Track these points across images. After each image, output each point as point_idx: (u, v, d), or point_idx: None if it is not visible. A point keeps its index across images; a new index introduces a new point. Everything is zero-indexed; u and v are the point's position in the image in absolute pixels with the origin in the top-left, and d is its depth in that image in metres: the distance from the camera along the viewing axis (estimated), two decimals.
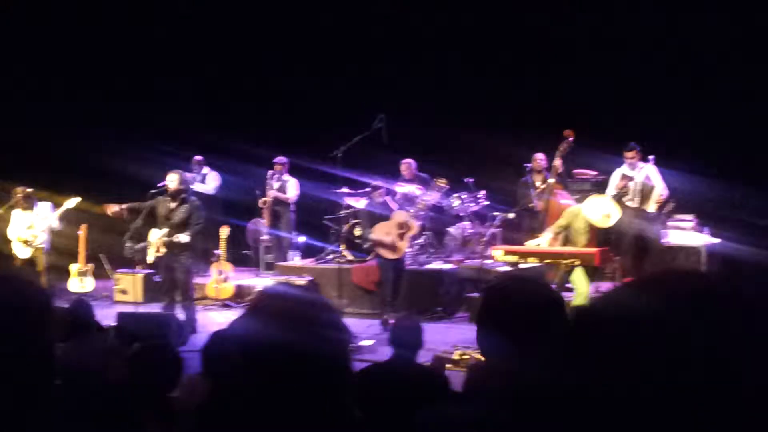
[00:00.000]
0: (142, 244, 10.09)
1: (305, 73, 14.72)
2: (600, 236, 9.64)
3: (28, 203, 11.54)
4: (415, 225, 10.77)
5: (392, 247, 10.59)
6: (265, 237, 13.38)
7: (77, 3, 14.86)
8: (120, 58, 14.78)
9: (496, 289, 2.63)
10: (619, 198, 10.88)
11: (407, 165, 12.65)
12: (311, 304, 1.81)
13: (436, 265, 11.90)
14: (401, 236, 10.65)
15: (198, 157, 13.63)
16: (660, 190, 11.09)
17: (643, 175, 11.11)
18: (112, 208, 10.20)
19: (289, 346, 1.68)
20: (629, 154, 11.09)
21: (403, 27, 14.38)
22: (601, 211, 9.36)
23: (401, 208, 10.98)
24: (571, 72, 13.20)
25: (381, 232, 10.68)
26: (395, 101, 12.74)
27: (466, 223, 12.52)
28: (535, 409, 1.03)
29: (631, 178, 11.10)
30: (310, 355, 1.69)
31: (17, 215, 11.56)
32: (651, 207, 11.13)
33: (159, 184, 10.39)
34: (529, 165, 11.92)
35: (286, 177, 13.32)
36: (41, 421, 1.86)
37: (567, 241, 9.55)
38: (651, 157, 11.25)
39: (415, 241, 11.94)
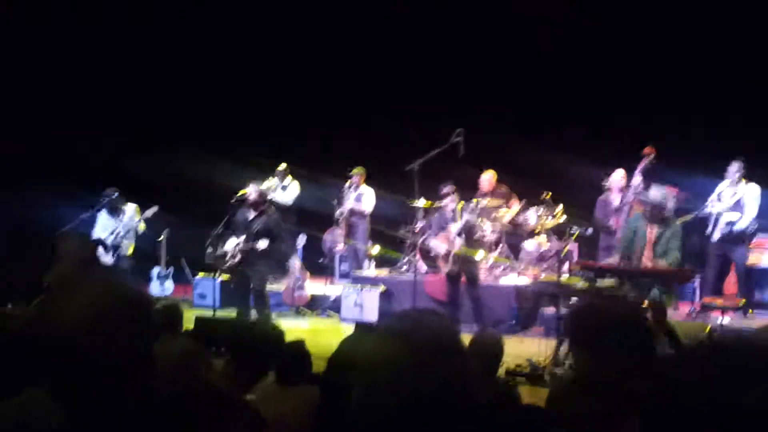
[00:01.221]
0: (221, 251, 10.29)
1: (385, 87, 14.81)
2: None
3: (118, 206, 11.84)
4: (485, 232, 10.69)
5: (445, 259, 10.61)
6: (340, 247, 13.50)
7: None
8: (199, 68, 15.10)
9: (587, 308, 2.63)
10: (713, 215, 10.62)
11: (488, 178, 12.65)
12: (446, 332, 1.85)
13: (511, 279, 11.85)
14: (469, 243, 10.65)
15: (282, 166, 13.82)
16: (755, 209, 10.64)
17: (735, 199, 10.70)
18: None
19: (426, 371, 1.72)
20: (732, 168, 10.69)
21: (483, 44, 14.36)
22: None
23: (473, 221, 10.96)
24: (652, 88, 13.00)
25: (449, 240, 10.70)
26: (474, 115, 12.74)
27: (543, 238, 12.43)
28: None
29: (720, 201, 10.75)
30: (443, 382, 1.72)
31: (103, 219, 11.87)
32: (742, 225, 10.71)
33: (239, 194, 10.59)
34: (607, 182, 11.78)
35: (363, 188, 13.43)
36: (140, 418, 1.93)
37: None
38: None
39: (490, 253, 11.91)
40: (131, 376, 1.90)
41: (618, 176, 11.65)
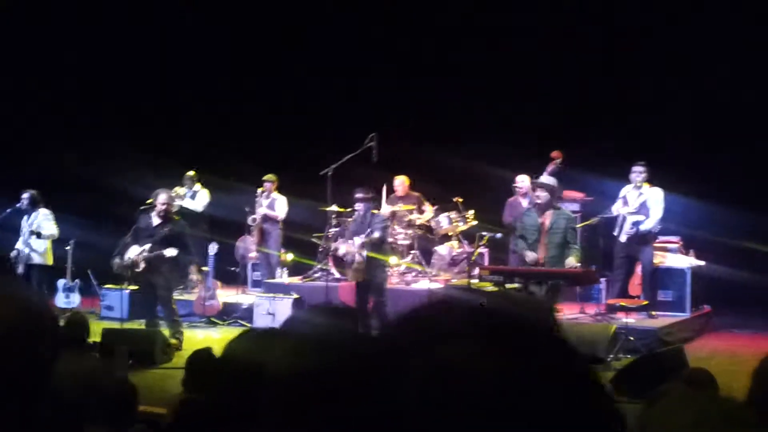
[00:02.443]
0: (128, 260, 10.09)
1: (296, 92, 14.78)
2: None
3: (30, 209, 11.53)
4: (396, 237, 10.71)
5: (350, 265, 10.59)
6: (253, 254, 13.38)
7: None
8: (109, 70, 14.82)
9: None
10: (617, 217, 10.89)
11: (401, 182, 12.72)
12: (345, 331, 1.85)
13: (423, 284, 11.91)
14: (381, 248, 10.62)
15: (190, 173, 13.64)
16: (659, 212, 10.91)
17: (640, 201, 10.96)
18: None
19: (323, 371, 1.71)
20: (637, 169, 10.92)
21: (393, 48, 14.46)
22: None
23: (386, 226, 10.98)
24: (563, 93, 13.28)
25: (359, 245, 10.64)
26: (386, 121, 12.83)
27: (454, 243, 12.54)
28: None
29: (627, 204, 11.02)
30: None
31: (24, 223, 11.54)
32: (646, 227, 10.98)
33: (146, 202, 10.41)
34: (516, 185, 11.98)
35: (275, 195, 13.35)
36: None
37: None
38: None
39: (402, 258, 11.97)
40: (24, 391, 1.84)
41: (526, 180, 11.84)
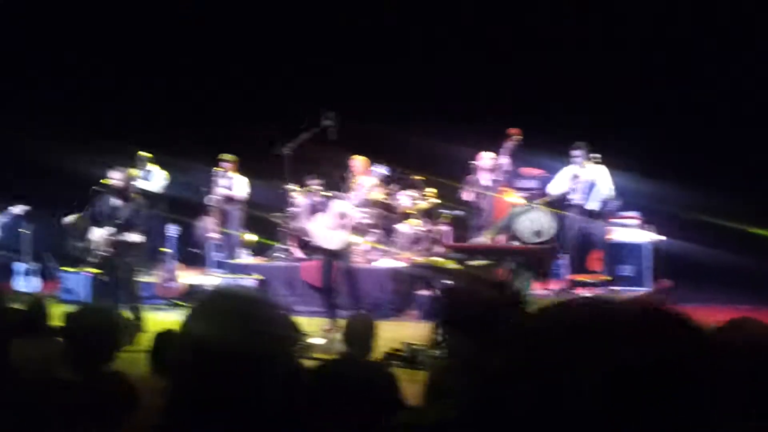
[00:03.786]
0: (87, 242, 9.95)
1: (253, 69, 14.66)
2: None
3: None
4: (356, 215, 10.73)
5: (330, 238, 10.59)
6: (213, 235, 13.29)
7: None
8: (67, 52, 14.58)
9: (456, 289, 2.68)
10: (564, 196, 11.07)
11: (360, 162, 12.68)
12: (259, 303, 1.83)
13: (386, 262, 11.94)
14: (341, 227, 10.62)
15: (143, 154, 13.45)
16: (606, 189, 11.25)
17: (590, 173, 11.29)
18: None
19: (238, 344, 1.69)
20: (576, 153, 11.29)
21: (349, 22, 14.39)
22: (532, 228, 9.54)
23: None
24: (518, 69, 13.32)
25: (320, 224, 10.64)
26: (344, 98, 12.78)
27: (416, 221, 12.57)
28: (497, 409, 1.06)
29: (578, 177, 11.27)
30: (258, 354, 1.70)
31: None
32: (592, 204, 11.29)
33: (101, 182, 10.25)
34: (475, 162, 12.02)
35: (233, 174, 13.25)
36: None
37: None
38: (596, 156, 11.44)
39: (363, 239, 11.97)
40: None
41: (487, 157, 11.89)
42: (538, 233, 9.85)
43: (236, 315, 1.77)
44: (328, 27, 14.48)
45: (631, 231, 11.79)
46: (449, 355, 2.76)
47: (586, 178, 11.22)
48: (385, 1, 14.20)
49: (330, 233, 10.57)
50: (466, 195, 11.96)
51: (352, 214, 10.63)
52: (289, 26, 14.47)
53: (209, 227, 13.31)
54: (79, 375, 3.74)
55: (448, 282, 9.21)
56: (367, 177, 12.69)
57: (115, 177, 9.88)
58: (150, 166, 13.44)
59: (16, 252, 12.08)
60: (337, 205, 10.61)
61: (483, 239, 9.87)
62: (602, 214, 11.40)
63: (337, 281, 10.65)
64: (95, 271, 10.89)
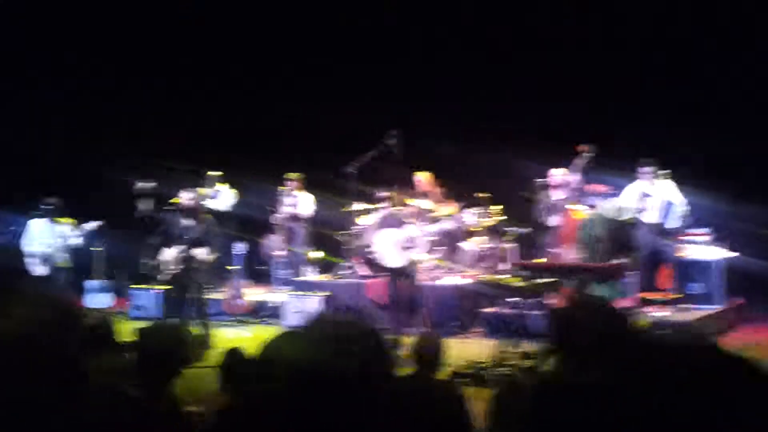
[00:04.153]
0: (158, 261, 10.13)
1: (318, 89, 14.78)
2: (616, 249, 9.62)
3: (56, 218, 11.57)
4: (423, 244, 10.76)
5: (394, 257, 10.68)
6: (279, 253, 13.42)
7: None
8: (131, 74, 14.90)
9: (569, 313, 2.67)
10: (637, 214, 10.88)
11: (424, 178, 12.71)
12: (360, 331, 1.85)
13: (451, 280, 11.90)
14: (406, 249, 10.68)
15: (212, 173, 13.68)
16: (681, 204, 11.04)
17: (661, 191, 11.09)
18: None
19: (334, 369, 1.71)
20: (645, 169, 11.09)
21: (419, 43, 14.43)
22: (614, 205, 9.45)
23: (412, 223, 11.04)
24: (587, 88, 13.18)
25: (385, 243, 10.73)
26: (410, 117, 12.80)
27: (481, 239, 12.51)
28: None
29: (649, 195, 11.08)
30: (349, 379, 1.72)
31: (38, 228, 11.57)
32: (671, 222, 11.08)
33: (171, 201, 10.43)
34: (543, 180, 11.89)
35: (299, 192, 13.38)
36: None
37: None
38: (665, 172, 11.26)
39: (428, 257, 11.95)
40: (62, 384, 1.87)
41: (557, 174, 11.74)
42: (619, 211, 9.71)
43: (338, 340, 1.79)
44: (392, 46, 14.54)
45: (701, 248, 11.54)
46: (552, 377, 2.74)
47: (659, 196, 11.01)
48: (452, 21, 14.19)
49: (394, 252, 10.62)
50: (537, 213, 11.82)
51: (418, 238, 10.66)
52: (360, 44, 14.57)
53: (275, 245, 13.44)
54: (144, 391, 3.81)
55: (560, 304, 9.17)
56: (432, 194, 12.70)
57: (185, 197, 10.06)
58: (219, 186, 13.64)
59: (89, 269, 12.33)
60: (405, 227, 10.68)
61: (568, 256, 9.72)
62: (675, 230, 11.18)
63: (402, 299, 10.67)
64: (165, 288, 11.09)
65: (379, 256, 10.89)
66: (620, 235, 9.49)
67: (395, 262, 10.69)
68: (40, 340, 1.84)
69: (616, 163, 11.52)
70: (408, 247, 10.70)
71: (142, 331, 4.11)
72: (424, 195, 12.64)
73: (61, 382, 1.85)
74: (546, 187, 11.87)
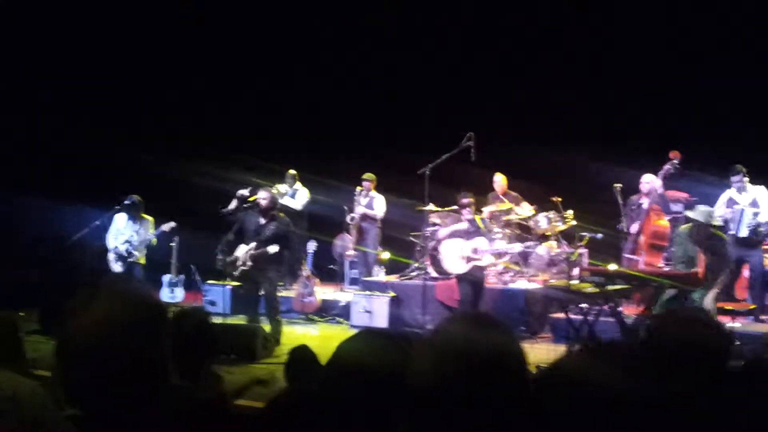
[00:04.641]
0: (231, 257, 10.29)
1: (395, 91, 14.83)
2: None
3: (137, 215, 11.84)
4: (490, 259, 10.74)
5: (458, 265, 10.71)
6: (350, 252, 13.51)
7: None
8: (214, 73, 15.16)
9: (667, 327, 2.64)
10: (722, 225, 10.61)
11: (499, 180, 12.67)
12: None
13: (521, 284, 11.82)
14: (468, 260, 10.71)
15: (291, 172, 13.85)
16: (765, 215, 10.66)
17: (750, 199, 10.73)
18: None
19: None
20: (735, 179, 10.75)
21: (494, 46, 14.37)
22: (705, 209, 9.27)
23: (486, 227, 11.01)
24: (671, 92, 12.93)
25: (451, 249, 10.76)
26: (485, 119, 12.75)
27: (553, 243, 12.40)
28: None
29: (736, 203, 10.77)
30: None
31: (119, 224, 11.85)
32: (744, 231, 10.74)
33: (249, 200, 10.57)
34: (619, 185, 11.65)
35: (374, 193, 13.46)
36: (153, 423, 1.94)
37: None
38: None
39: (500, 258, 11.90)
40: (148, 379, 1.92)
41: (645, 180, 11.48)
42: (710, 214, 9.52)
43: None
44: (472, 47, 14.51)
45: None
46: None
47: (744, 204, 10.69)
48: (527, 21, 14.09)
49: (458, 261, 10.67)
50: (622, 219, 11.58)
51: (485, 251, 10.67)
52: (435, 46, 14.59)
53: (347, 244, 13.54)
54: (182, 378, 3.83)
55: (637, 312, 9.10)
56: (506, 196, 12.65)
57: (262, 195, 10.21)
58: (297, 185, 13.80)
59: (166, 265, 12.60)
60: (475, 239, 10.70)
61: (647, 263, 9.56)
62: (758, 241, 10.81)
63: (473, 302, 10.65)
64: (237, 284, 11.27)
65: (444, 261, 10.94)
66: (713, 245, 9.28)
67: (457, 269, 10.72)
68: (127, 339, 1.90)
69: (704, 168, 11.29)
70: (473, 259, 10.71)
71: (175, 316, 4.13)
72: (500, 197, 12.60)
73: (146, 382, 1.90)
74: (628, 192, 11.62)
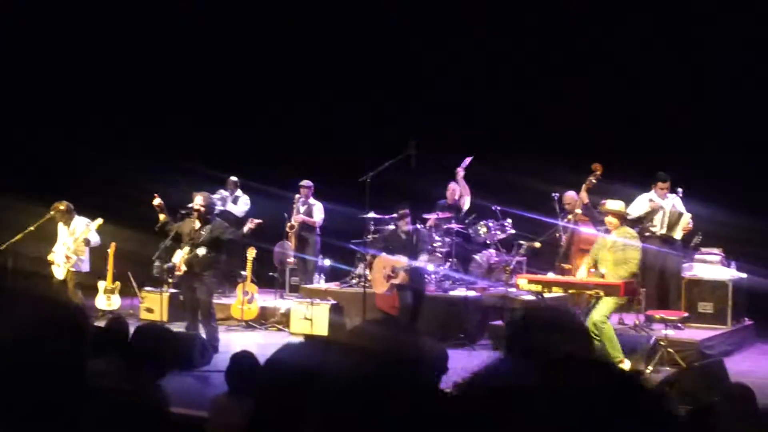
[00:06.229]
0: (169, 264, 10.17)
1: (335, 98, 14.81)
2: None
3: (68, 218, 11.63)
4: (403, 276, 10.83)
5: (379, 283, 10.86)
6: (290, 260, 13.45)
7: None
8: (151, 77, 14.98)
9: (521, 319, 2.67)
10: (642, 223, 10.86)
11: (452, 188, 12.72)
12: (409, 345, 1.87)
13: (460, 292, 11.89)
14: (387, 278, 10.81)
15: (233, 178, 13.79)
16: (688, 217, 11.02)
17: (671, 204, 11.07)
18: (158, 201, 10.26)
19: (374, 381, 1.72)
20: (664, 185, 11.00)
21: (434, 53, 14.44)
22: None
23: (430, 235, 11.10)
24: (598, 103, 13.16)
25: (378, 266, 10.91)
26: (425, 127, 12.82)
27: (492, 251, 12.51)
28: None
29: (659, 205, 11.04)
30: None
31: (61, 230, 11.67)
32: (678, 234, 11.04)
33: (188, 205, 10.47)
34: (557, 194, 11.81)
35: (312, 201, 13.44)
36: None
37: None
38: (679, 189, 11.22)
39: (440, 266, 11.97)
40: (61, 391, 1.88)
41: (569, 199, 11.68)
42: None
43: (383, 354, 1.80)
44: (411, 56, 14.57)
45: (712, 267, 11.48)
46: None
47: (669, 207, 10.99)
48: (467, 36, 14.20)
49: (381, 280, 10.80)
50: (557, 228, 11.76)
51: (402, 270, 10.78)
52: (375, 55, 14.61)
53: (287, 252, 13.47)
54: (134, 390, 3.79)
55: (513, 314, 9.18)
56: (451, 206, 12.71)
57: (198, 200, 10.12)
58: (238, 191, 13.73)
59: (103, 273, 12.42)
60: (397, 256, 10.81)
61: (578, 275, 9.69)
62: (684, 246, 11.14)
63: (413, 310, 10.70)
64: (174, 291, 11.16)
65: (372, 281, 11.11)
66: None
67: (380, 289, 10.87)
68: (36, 343, 1.85)
69: (626, 178, 11.51)
70: (390, 277, 10.82)
71: (135, 330, 4.14)
72: (447, 207, 12.63)
73: (58, 386, 1.86)
74: (564, 203, 11.79)
